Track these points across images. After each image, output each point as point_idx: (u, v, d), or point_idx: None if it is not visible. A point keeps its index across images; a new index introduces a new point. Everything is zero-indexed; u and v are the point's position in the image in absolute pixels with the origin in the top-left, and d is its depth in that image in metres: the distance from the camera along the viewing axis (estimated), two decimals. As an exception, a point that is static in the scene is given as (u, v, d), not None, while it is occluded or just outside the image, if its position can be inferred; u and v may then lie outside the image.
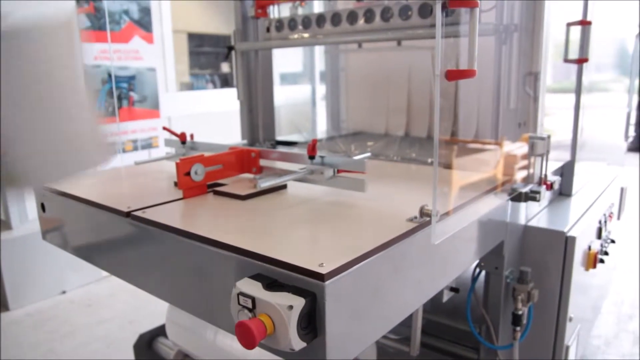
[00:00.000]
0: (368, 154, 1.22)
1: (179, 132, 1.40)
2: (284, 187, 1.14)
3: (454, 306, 1.44)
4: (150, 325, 1.83)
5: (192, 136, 1.42)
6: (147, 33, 3.19)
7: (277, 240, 0.80)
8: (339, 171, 1.04)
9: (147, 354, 1.77)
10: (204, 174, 1.07)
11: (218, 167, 1.10)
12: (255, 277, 0.71)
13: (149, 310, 2.64)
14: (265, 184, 1.01)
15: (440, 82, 0.76)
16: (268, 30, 1.72)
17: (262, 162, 1.19)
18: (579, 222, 1.37)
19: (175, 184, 1.11)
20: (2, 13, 0.60)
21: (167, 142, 1.46)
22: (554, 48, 1.42)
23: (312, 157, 1.04)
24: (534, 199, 1.21)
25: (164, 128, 1.45)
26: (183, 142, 1.40)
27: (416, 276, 0.89)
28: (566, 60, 1.46)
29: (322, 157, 1.04)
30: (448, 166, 1.30)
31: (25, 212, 2.92)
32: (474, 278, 1.32)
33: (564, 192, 1.60)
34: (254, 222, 0.92)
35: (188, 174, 1.04)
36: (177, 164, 1.03)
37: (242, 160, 1.16)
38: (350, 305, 0.71)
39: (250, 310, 0.66)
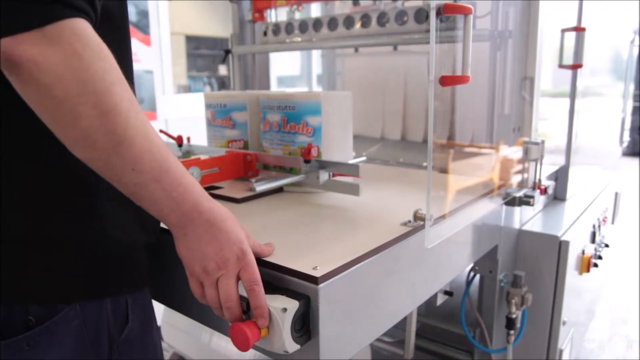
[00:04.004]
0: (363, 158, 1.23)
1: (175, 134, 1.41)
2: (279, 190, 1.14)
3: (448, 309, 1.45)
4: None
5: (188, 139, 1.42)
6: (144, 36, 3.19)
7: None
8: (334, 175, 1.05)
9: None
10: (200, 177, 1.07)
11: (214, 170, 1.11)
12: (250, 279, 0.71)
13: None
14: (260, 187, 1.02)
15: (436, 87, 0.77)
16: (265, 34, 1.73)
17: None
18: (572, 226, 1.38)
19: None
20: None
21: (164, 145, 1.46)
22: (553, 52, 1.43)
23: (307, 161, 1.04)
24: (528, 204, 1.22)
25: (161, 131, 1.45)
26: (180, 145, 1.40)
27: (410, 279, 0.89)
28: (561, 66, 1.47)
29: (317, 160, 1.05)
30: (443, 170, 1.31)
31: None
32: (468, 282, 1.32)
33: (558, 196, 1.61)
34: (249, 225, 0.91)
35: (184, 176, 1.05)
36: (173, 167, 1.04)
37: (239, 164, 1.17)
38: (344, 308, 0.72)
39: (244, 312, 0.67)
